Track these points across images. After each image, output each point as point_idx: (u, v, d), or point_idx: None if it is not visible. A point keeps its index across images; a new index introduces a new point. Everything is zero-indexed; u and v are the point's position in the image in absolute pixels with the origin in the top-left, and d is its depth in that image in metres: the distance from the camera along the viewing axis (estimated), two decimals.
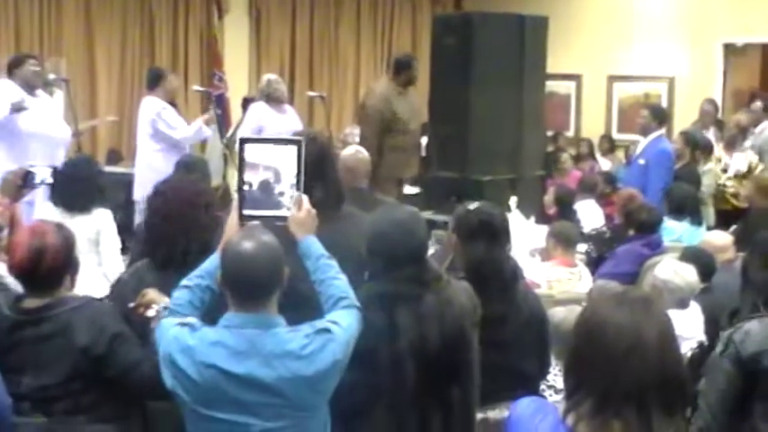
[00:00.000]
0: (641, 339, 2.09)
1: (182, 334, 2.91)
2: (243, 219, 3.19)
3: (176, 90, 8.42)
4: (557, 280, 5.80)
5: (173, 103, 8.50)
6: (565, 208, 7.68)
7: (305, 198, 3.20)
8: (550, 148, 11.59)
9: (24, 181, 4.06)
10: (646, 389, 2.07)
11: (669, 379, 2.10)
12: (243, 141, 3.21)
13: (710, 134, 9.60)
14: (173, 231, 3.58)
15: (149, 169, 7.73)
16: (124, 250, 5.66)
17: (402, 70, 8.38)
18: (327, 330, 2.96)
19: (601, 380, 2.10)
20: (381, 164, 7.89)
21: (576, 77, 12.60)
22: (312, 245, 3.19)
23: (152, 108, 7.98)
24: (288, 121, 8.56)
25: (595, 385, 2.10)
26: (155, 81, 8.16)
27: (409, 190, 8.77)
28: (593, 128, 12.50)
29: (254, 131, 8.18)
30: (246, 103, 9.75)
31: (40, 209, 5.61)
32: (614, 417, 2.08)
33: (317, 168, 3.52)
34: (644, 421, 2.07)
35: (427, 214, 7.72)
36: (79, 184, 5.46)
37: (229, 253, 2.94)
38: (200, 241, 3.57)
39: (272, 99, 8.58)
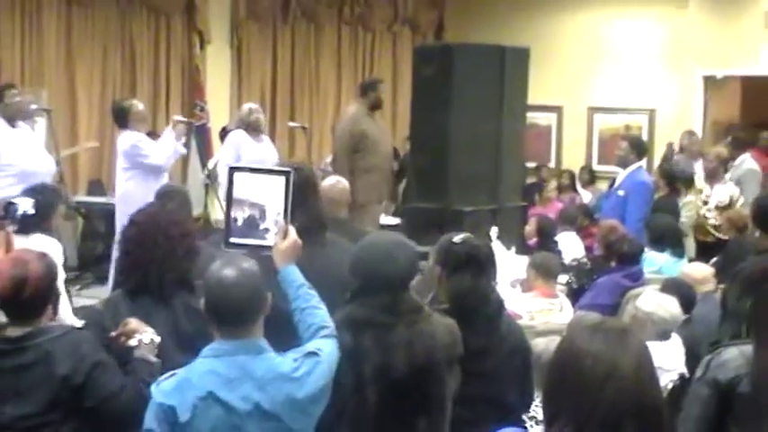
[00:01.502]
0: (617, 368, 2.09)
1: (164, 384, 2.92)
2: (229, 246, 3.23)
3: (144, 115, 8.22)
4: (538, 311, 5.81)
5: (150, 133, 8.47)
6: (546, 239, 7.70)
7: (291, 228, 3.23)
8: (533, 180, 11.66)
9: (6, 212, 4.04)
10: (622, 417, 2.07)
11: (646, 407, 2.10)
12: (232, 170, 3.25)
13: (698, 165, 9.65)
14: (146, 261, 3.58)
15: (127, 201, 7.69)
16: (104, 280, 5.62)
17: (368, 92, 8.45)
18: (315, 354, 3.00)
19: (578, 409, 2.09)
20: (356, 188, 7.92)
21: (556, 109, 12.68)
22: (292, 273, 3.23)
23: (127, 141, 7.90)
24: (265, 150, 8.60)
25: (573, 415, 2.10)
26: (123, 116, 7.98)
27: (388, 220, 8.79)
28: (573, 159, 12.57)
29: (233, 159, 8.19)
30: (224, 132, 9.76)
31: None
32: None
33: (300, 196, 3.56)
34: None
35: None
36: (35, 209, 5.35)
37: (211, 280, 2.96)
38: (176, 271, 3.58)
39: (251, 128, 8.59)
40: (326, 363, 3.02)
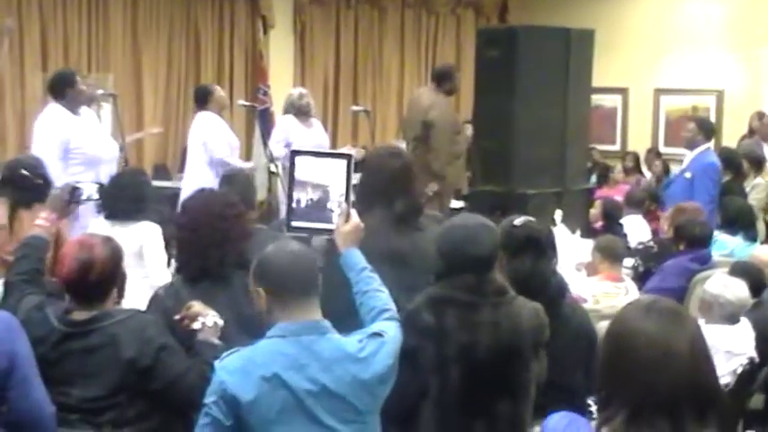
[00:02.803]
0: (672, 349, 2.04)
1: (229, 360, 2.90)
2: (291, 230, 3.25)
3: (225, 101, 8.46)
4: (603, 294, 5.74)
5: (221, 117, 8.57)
6: (612, 222, 7.61)
7: (353, 211, 3.23)
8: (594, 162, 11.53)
9: (71, 197, 4.09)
10: (678, 399, 2.03)
11: (702, 389, 2.06)
12: (294, 153, 3.27)
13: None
14: (204, 245, 3.59)
15: (196, 183, 7.78)
16: (168, 263, 5.68)
17: (444, 80, 8.37)
18: (379, 335, 3.00)
19: (632, 392, 2.06)
20: (446, 176, 7.92)
21: (622, 91, 12.53)
22: (355, 256, 3.25)
23: (204, 126, 8.08)
24: (315, 135, 8.62)
25: (627, 397, 2.06)
26: (203, 98, 8.23)
27: (454, 204, 8.76)
28: (639, 141, 12.41)
29: (283, 144, 8.26)
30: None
31: (92, 224, 5.63)
32: (648, 428, 2.04)
33: (400, 183, 3.66)
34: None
35: None
36: (122, 196, 5.49)
37: (271, 263, 2.96)
38: (234, 253, 3.59)
39: (301, 112, 8.62)
40: (391, 343, 3.01)
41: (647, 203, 8.59)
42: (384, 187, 3.70)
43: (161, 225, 5.68)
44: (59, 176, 6.26)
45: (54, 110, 6.84)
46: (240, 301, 3.50)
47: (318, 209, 3.29)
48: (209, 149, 7.98)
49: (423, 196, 5.50)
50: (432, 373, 3.25)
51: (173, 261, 5.51)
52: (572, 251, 6.32)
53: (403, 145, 8.80)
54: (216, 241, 3.58)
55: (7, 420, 3.08)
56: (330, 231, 3.27)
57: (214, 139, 8.00)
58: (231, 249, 3.58)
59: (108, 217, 5.50)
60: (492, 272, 3.38)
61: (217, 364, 2.93)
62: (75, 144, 6.73)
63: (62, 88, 6.82)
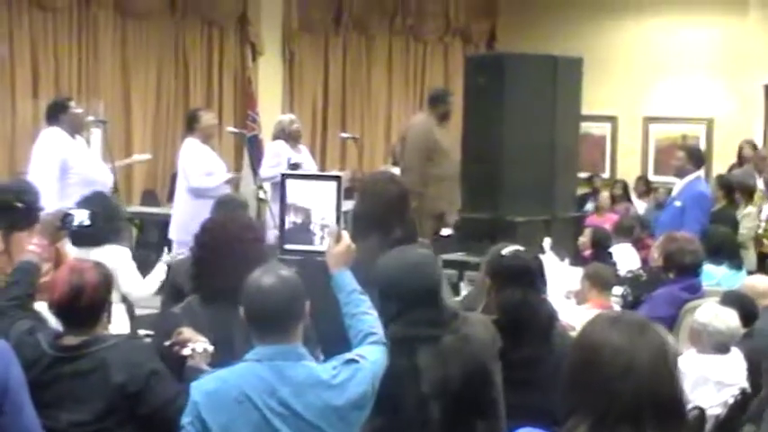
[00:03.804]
0: (635, 360, 2.07)
1: (204, 381, 2.94)
2: (284, 252, 3.27)
3: (213, 126, 8.43)
4: None
5: (208, 143, 8.56)
6: (601, 250, 7.61)
7: (344, 232, 3.24)
8: (586, 190, 11.56)
9: (63, 223, 4.08)
10: (641, 410, 2.06)
11: (664, 400, 2.08)
12: (285, 177, 3.30)
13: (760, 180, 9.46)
14: (221, 266, 3.60)
15: (183, 208, 7.81)
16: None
17: (437, 103, 8.42)
18: (355, 361, 3.00)
19: (596, 401, 2.08)
20: (425, 197, 7.93)
21: (611, 118, 12.58)
22: (345, 278, 3.25)
23: (184, 153, 8.08)
24: (303, 160, 8.67)
25: (591, 407, 2.09)
26: (190, 123, 8.23)
27: (444, 231, 8.76)
28: (628, 169, 12.45)
29: (277, 169, 8.28)
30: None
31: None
32: None
33: (398, 209, 3.64)
34: None
35: (460, 255, 7.72)
36: (93, 220, 5.40)
37: (250, 288, 2.99)
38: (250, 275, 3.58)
39: (292, 138, 8.71)
40: (369, 369, 3.01)
41: (639, 231, 8.60)
42: (381, 214, 3.71)
43: (147, 250, 5.67)
44: (56, 197, 6.29)
45: (52, 132, 6.97)
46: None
47: (302, 232, 3.31)
48: (186, 178, 7.99)
49: None
50: (410, 412, 3.23)
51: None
52: (561, 279, 6.30)
53: (393, 170, 8.85)
54: (233, 263, 3.57)
55: None
56: (320, 253, 3.28)
57: (190, 167, 7.99)
58: (247, 271, 3.57)
59: (75, 243, 5.42)
60: (442, 300, 3.38)
61: (192, 385, 2.97)
62: (73, 165, 6.79)
63: (56, 113, 6.96)
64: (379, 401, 3.05)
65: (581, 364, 2.15)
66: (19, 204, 5.21)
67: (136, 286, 5.59)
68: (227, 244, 3.63)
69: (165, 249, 6.07)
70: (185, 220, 7.35)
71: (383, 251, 3.52)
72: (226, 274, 3.56)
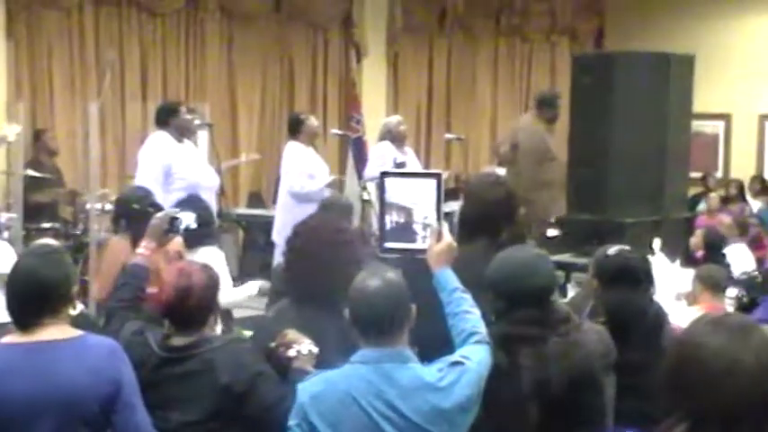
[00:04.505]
0: (737, 362, 2.03)
1: (311, 383, 2.98)
2: (385, 251, 3.26)
3: (316, 131, 8.55)
4: None
5: (313, 146, 8.64)
6: (713, 251, 7.44)
7: (445, 230, 3.20)
8: (698, 190, 11.33)
9: (170, 226, 4.13)
10: (741, 413, 2.02)
11: (767, 404, 2.03)
12: (384, 175, 3.29)
13: None
14: (314, 269, 3.59)
15: (285, 211, 7.88)
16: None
17: (546, 107, 8.39)
18: (460, 363, 2.98)
19: (695, 403, 2.06)
20: (535, 203, 7.88)
21: (724, 117, 12.28)
22: (447, 276, 3.22)
23: (287, 157, 8.17)
24: (409, 162, 8.70)
25: (689, 409, 2.07)
26: (295, 127, 8.32)
27: (550, 232, 8.67)
28: (743, 168, 12.14)
29: (379, 169, 8.30)
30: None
31: None
32: None
33: (505, 211, 3.60)
34: None
35: (567, 257, 7.63)
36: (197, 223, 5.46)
37: (355, 291, 2.99)
38: (343, 279, 3.57)
39: (398, 139, 8.73)
40: (475, 371, 2.99)
41: (755, 230, 8.39)
42: (489, 215, 3.67)
43: (253, 252, 5.71)
44: (161, 201, 6.39)
45: (158, 137, 7.09)
46: (346, 327, 3.48)
47: (405, 230, 3.29)
48: (288, 182, 8.07)
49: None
50: (509, 410, 3.19)
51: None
52: (671, 280, 6.19)
53: (498, 171, 8.82)
54: (325, 266, 3.58)
55: None
56: (422, 251, 3.24)
57: (293, 170, 8.08)
58: (340, 275, 3.56)
59: None
60: (553, 301, 3.32)
61: (299, 386, 2.99)
62: (177, 170, 6.89)
63: (165, 117, 7.08)
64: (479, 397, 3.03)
65: (680, 364, 2.12)
66: (150, 210, 5.33)
67: (223, 292, 5.54)
68: (319, 247, 3.62)
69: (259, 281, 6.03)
70: (288, 222, 7.39)
71: (490, 254, 3.48)
72: (318, 278, 3.56)
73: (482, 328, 3.13)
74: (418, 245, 3.29)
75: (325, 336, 3.40)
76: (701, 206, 10.90)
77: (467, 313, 3.15)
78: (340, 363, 3.13)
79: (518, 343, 3.21)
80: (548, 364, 3.18)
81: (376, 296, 2.94)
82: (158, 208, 5.37)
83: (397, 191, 3.33)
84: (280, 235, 7.76)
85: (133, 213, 5.40)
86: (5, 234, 6.24)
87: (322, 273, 3.57)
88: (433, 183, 3.29)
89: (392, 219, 3.34)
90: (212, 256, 5.53)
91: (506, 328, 3.25)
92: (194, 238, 5.37)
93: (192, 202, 5.65)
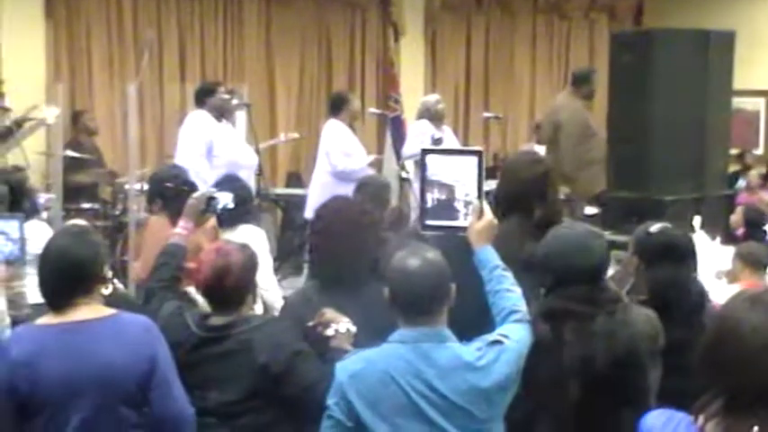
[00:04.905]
0: None
1: (350, 362, 2.98)
2: (425, 228, 3.27)
3: (358, 112, 8.57)
4: None
5: (352, 126, 8.65)
6: (754, 229, 7.37)
7: (486, 207, 3.20)
8: (737, 167, 11.21)
9: (207, 206, 4.15)
10: None
11: None
12: (425, 152, 3.29)
13: None
14: (338, 252, 3.60)
15: (322, 190, 7.89)
16: (301, 270, 5.71)
17: (582, 83, 8.37)
18: (499, 342, 2.98)
19: (732, 380, 2.08)
20: (578, 181, 7.87)
21: (765, 93, 12.13)
22: (488, 254, 3.23)
23: (328, 136, 8.17)
24: (447, 140, 8.74)
25: (726, 385, 2.09)
26: (338, 105, 8.33)
27: (589, 210, 8.64)
28: None
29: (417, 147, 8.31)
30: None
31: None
32: (744, 417, 2.05)
33: (539, 189, 3.60)
34: None
35: (606, 234, 7.58)
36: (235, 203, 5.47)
37: (395, 270, 2.99)
38: (367, 261, 3.58)
39: (436, 118, 8.72)
40: (514, 350, 2.99)
41: None
42: (523, 193, 3.66)
43: (292, 232, 5.72)
44: (202, 179, 6.42)
45: (198, 115, 7.14)
46: (371, 309, 3.48)
47: (446, 208, 3.29)
48: (330, 160, 8.08)
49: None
50: (550, 386, 3.20)
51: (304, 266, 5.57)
52: (712, 258, 6.13)
53: (538, 149, 8.77)
54: (349, 249, 3.58)
55: (150, 421, 3.16)
56: (463, 229, 3.24)
57: (336, 149, 8.09)
58: (364, 257, 3.58)
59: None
60: (603, 281, 3.30)
61: (338, 365, 2.99)
62: (217, 147, 6.94)
63: (203, 97, 7.13)
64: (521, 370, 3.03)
65: (718, 340, 2.14)
66: (184, 188, 5.39)
67: (261, 273, 5.52)
68: (342, 230, 3.62)
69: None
70: (321, 199, 7.43)
71: (523, 232, 3.47)
72: (341, 260, 3.57)
73: (522, 307, 3.13)
74: (460, 222, 3.28)
75: (348, 318, 3.41)
76: (740, 183, 10.79)
77: (507, 291, 3.15)
78: (366, 345, 3.14)
79: (564, 318, 3.21)
80: (592, 341, 3.18)
81: (416, 275, 2.93)
82: (192, 186, 5.43)
83: (437, 168, 3.32)
84: (312, 213, 7.78)
85: (167, 192, 5.44)
86: (44, 215, 6.29)
87: (345, 255, 3.58)
88: (474, 160, 3.27)
89: (433, 196, 3.33)
90: (252, 235, 5.55)
91: (554, 302, 3.25)
92: (234, 217, 5.39)
93: (230, 181, 5.67)
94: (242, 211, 5.55)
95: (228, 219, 5.39)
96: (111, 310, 3.19)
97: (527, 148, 9.81)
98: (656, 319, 3.35)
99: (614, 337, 3.19)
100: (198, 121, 7.13)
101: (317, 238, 3.73)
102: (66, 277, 3.14)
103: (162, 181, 5.56)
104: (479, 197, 3.26)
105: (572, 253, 3.24)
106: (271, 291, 5.44)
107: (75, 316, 3.12)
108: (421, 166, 3.37)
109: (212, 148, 6.98)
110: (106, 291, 3.24)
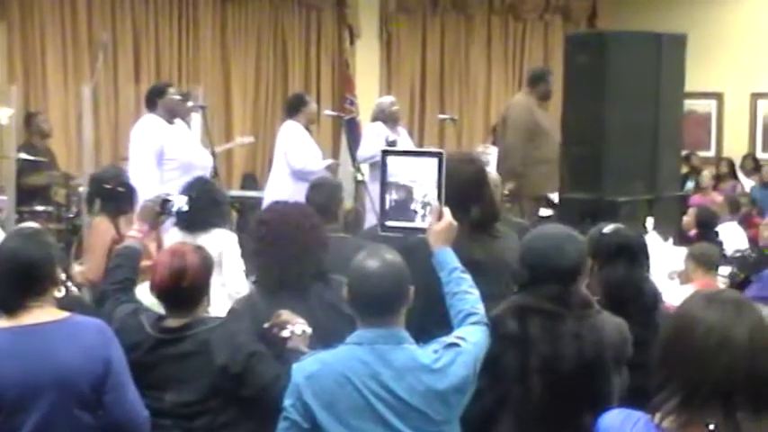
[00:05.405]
0: (729, 338, 2.09)
1: (306, 363, 2.98)
2: (385, 230, 3.27)
3: (315, 114, 8.59)
4: None
5: (308, 129, 8.64)
6: (706, 229, 7.46)
7: (446, 210, 3.21)
8: (685, 169, 11.33)
9: (162, 208, 4.13)
10: (733, 387, 2.07)
11: (759, 379, 2.08)
12: (385, 153, 3.29)
13: None
14: (282, 257, 3.60)
15: (279, 191, 7.88)
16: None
17: (537, 83, 8.42)
18: (456, 345, 2.98)
19: (688, 376, 2.11)
20: (526, 179, 7.90)
21: (716, 95, 12.28)
22: (446, 256, 3.24)
23: (286, 136, 8.18)
24: (402, 142, 8.73)
25: (682, 382, 2.12)
26: (296, 107, 8.33)
27: (543, 211, 8.68)
28: (734, 147, 12.15)
29: (373, 151, 8.33)
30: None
31: (168, 235, 5.66)
32: (700, 413, 2.09)
33: (475, 189, 3.59)
34: (731, 419, 2.07)
35: None
36: (198, 205, 5.46)
37: (355, 272, 2.98)
38: (312, 264, 3.59)
39: (391, 119, 8.75)
40: (471, 353, 2.99)
41: (747, 210, 8.40)
42: (457, 194, 3.65)
43: (246, 234, 5.69)
44: (155, 182, 6.41)
45: (148, 119, 7.08)
46: (317, 312, 3.50)
47: (404, 209, 3.29)
48: (288, 160, 8.08)
49: (500, 199, 5.42)
50: (513, 381, 3.22)
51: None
52: (665, 259, 6.20)
53: (492, 151, 8.83)
54: (294, 253, 3.58)
55: (104, 424, 3.14)
56: (422, 230, 3.25)
57: (294, 149, 8.10)
58: (309, 261, 3.58)
59: (182, 228, 5.46)
60: (577, 283, 3.30)
61: (294, 367, 2.99)
62: (169, 151, 6.90)
63: (153, 99, 7.07)
64: (485, 363, 3.04)
65: (675, 339, 2.17)
66: (120, 189, 5.42)
67: (234, 276, 5.52)
68: (286, 235, 3.62)
69: None
70: (277, 195, 7.42)
71: (461, 233, 3.47)
72: (286, 266, 3.57)
73: (480, 309, 3.14)
74: (417, 223, 3.29)
75: None
76: (689, 185, 10.91)
77: (466, 293, 3.16)
78: (313, 348, 3.14)
79: (533, 315, 3.22)
80: (559, 341, 3.20)
81: (374, 276, 2.94)
82: (129, 187, 5.46)
83: (397, 169, 3.32)
84: None
85: (105, 193, 5.48)
86: None
87: (291, 260, 3.57)
88: (434, 161, 3.28)
89: (391, 197, 3.33)
90: (225, 238, 5.53)
91: (525, 299, 3.27)
92: (206, 221, 5.40)
93: (200, 184, 5.67)
94: (215, 214, 5.55)
95: (202, 222, 5.40)
96: (64, 313, 3.17)
97: (479, 149, 9.89)
98: (626, 329, 3.36)
99: (581, 339, 3.21)
100: (147, 126, 7.04)
101: (261, 244, 3.71)
102: (18, 279, 3.10)
103: (100, 182, 5.62)
104: (439, 199, 3.27)
105: (548, 252, 3.25)
106: (243, 293, 5.43)
107: (28, 319, 3.10)
108: (381, 167, 3.37)
109: (164, 153, 6.92)
110: (59, 293, 3.22)
